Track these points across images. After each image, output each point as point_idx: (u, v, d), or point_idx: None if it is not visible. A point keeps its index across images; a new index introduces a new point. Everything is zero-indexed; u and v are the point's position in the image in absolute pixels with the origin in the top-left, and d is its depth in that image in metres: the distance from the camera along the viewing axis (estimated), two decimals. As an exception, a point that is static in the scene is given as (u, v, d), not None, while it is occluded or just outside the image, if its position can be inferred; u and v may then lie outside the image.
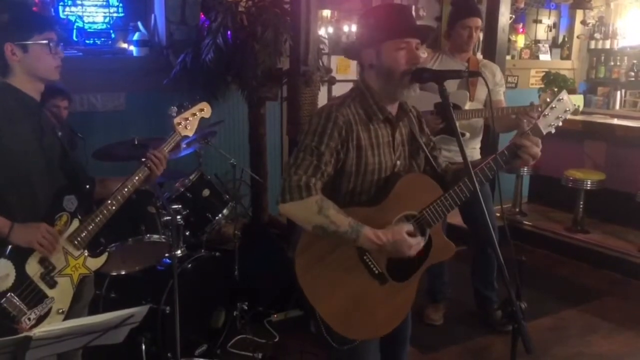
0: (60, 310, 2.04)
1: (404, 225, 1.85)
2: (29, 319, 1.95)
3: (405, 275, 1.96)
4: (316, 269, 1.84)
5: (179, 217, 2.80)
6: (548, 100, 1.96)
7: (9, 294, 1.92)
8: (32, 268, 1.98)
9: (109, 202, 2.12)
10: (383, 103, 1.89)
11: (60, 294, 2.04)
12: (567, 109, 1.94)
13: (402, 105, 1.96)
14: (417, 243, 1.85)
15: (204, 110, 2.43)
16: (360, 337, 1.92)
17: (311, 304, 1.84)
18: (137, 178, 2.16)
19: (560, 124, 1.95)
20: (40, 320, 1.99)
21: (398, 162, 1.97)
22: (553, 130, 1.95)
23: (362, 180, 1.89)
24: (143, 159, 2.19)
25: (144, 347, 2.88)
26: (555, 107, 1.93)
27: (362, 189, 1.90)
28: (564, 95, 1.95)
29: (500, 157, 1.90)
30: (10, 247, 1.93)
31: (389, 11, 1.93)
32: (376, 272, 1.89)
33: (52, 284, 2.02)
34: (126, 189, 2.15)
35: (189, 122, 2.36)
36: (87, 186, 2.17)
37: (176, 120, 2.33)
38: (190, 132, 2.37)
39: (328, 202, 1.77)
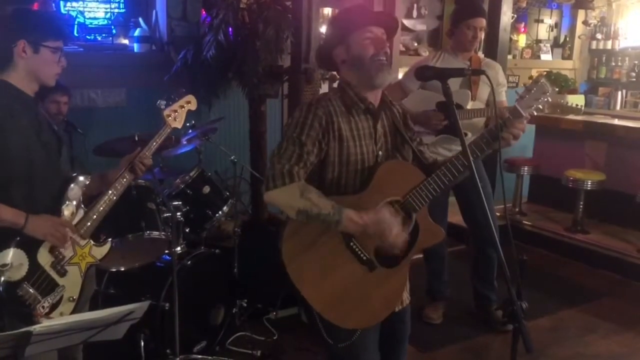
0: (71, 298, 2.09)
1: (386, 207, 1.87)
2: (43, 306, 2.01)
3: (394, 261, 1.95)
4: (303, 256, 1.85)
5: (178, 213, 2.81)
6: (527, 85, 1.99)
7: (24, 283, 1.96)
8: (43, 257, 2.02)
9: (110, 191, 2.17)
10: (363, 94, 1.94)
11: (70, 283, 2.09)
12: (546, 91, 1.95)
13: (384, 97, 2.01)
14: (399, 225, 1.84)
15: (190, 102, 2.51)
16: (355, 326, 1.91)
17: (299, 291, 1.85)
18: (124, 180, 2.23)
19: (541, 107, 1.95)
20: (53, 308, 2.04)
21: (380, 153, 1.99)
22: (534, 113, 1.95)
23: (345, 171, 1.92)
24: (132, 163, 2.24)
25: (142, 343, 2.88)
26: (533, 89, 1.94)
27: (347, 179, 1.93)
28: (541, 79, 1.97)
29: (481, 139, 1.91)
30: (21, 237, 1.96)
31: (350, 9, 2.04)
32: (364, 258, 1.89)
33: (63, 273, 2.07)
34: (125, 179, 2.22)
35: (177, 114, 2.44)
36: (87, 178, 2.19)
37: (166, 112, 2.41)
38: (179, 124, 2.45)
39: (310, 187, 1.82)
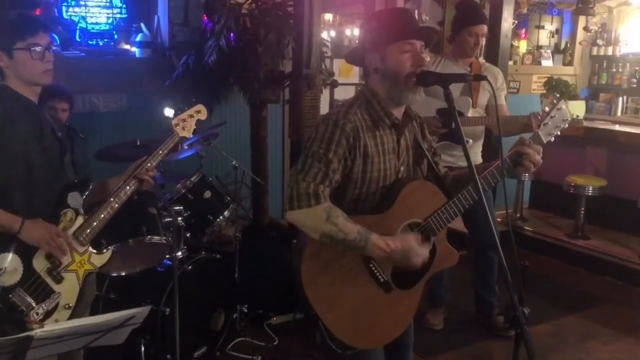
0: (68, 305, 2.07)
1: (411, 235, 1.85)
2: (37, 313, 1.99)
3: (410, 282, 1.95)
4: (322, 277, 1.82)
5: (179, 218, 2.80)
6: (547, 109, 2.00)
7: (17, 288, 1.95)
8: (39, 263, 2.01)
9: (112, 199, 2.16)
10: (389, 108, 1.89)
11: (67, 290, 2.07)
12: (566, 119, 1.98)
13: (407, 111, 1.96)
14: (424, 252, 1.84)
15: (200, 112, 2.50)
16: (364, 346, 1.90)
17: (316, 312, 1.82)
18: (128, 187, 2.21)
19: (559, 133, 1.98)
20: (47, 315, 2.02)
21: (402, 168, 1.96)
22: (552, 139, 1.98)
23: (367, 188, 1.88)
24: (137, 174, 2.22)
25: (143, 348, 2.88)
26: (554, 116, 1.96)
27: (367, 196, 1.89)
28: (562, 104, 1.98)
29: (503, 165, 1.90)
30: (19, 242, 1.96)
31: (392, 14, 1.94)
32: (382, 280, 1.88)
33: (59, 280, 2.05)
34: (128, 187, 2.20)
35: (186, 123, 2.42)
36: (89, 185, 2.18)
37: (174, 121, 2.40)
38: (187, 134, 2.44)
39: (337, 210, 1.76)
